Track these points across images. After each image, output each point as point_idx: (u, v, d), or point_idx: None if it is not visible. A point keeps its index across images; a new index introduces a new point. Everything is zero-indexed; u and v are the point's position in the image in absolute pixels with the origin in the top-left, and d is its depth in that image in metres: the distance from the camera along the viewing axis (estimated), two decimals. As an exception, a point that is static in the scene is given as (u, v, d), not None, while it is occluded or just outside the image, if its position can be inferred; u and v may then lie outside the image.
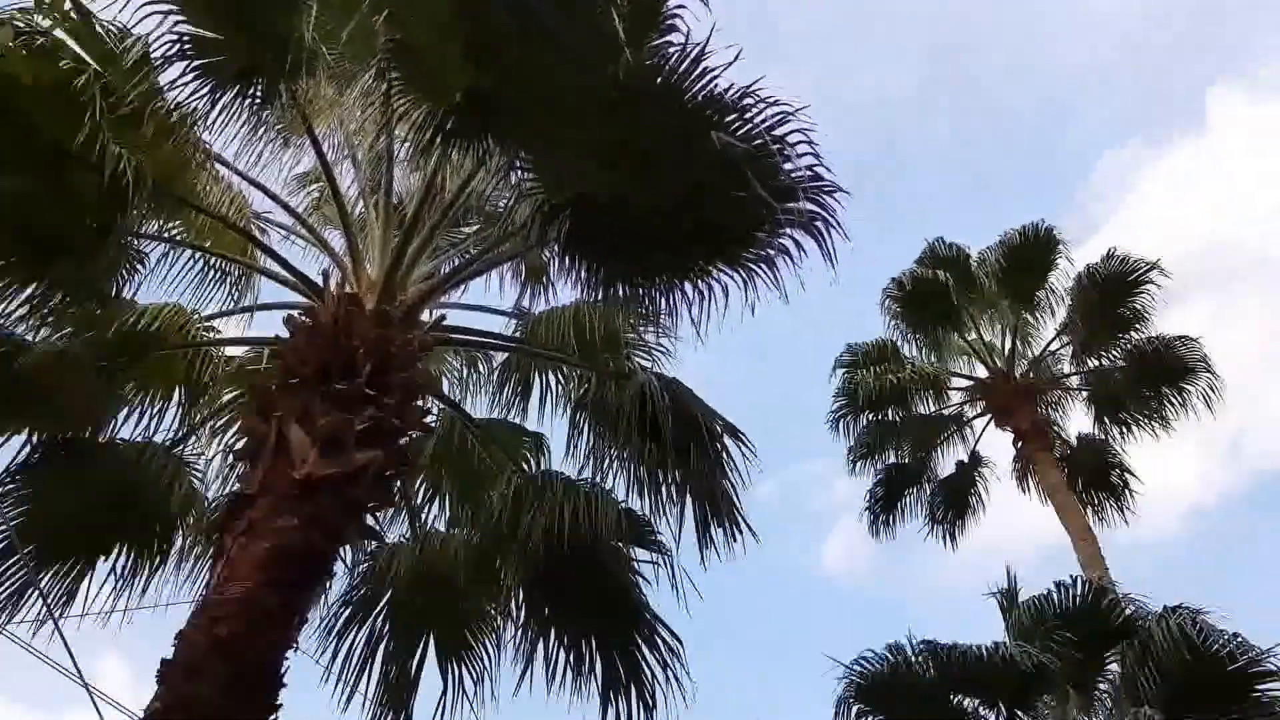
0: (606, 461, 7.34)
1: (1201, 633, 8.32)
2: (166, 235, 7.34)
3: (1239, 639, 8.28)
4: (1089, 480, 16.14)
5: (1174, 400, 15.71)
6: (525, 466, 7.87)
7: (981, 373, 16.69)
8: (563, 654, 7.21)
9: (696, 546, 7.12)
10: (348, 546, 6.70)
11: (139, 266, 7.09)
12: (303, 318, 6.43)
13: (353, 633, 7.02)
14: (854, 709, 8.81)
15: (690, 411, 7.02)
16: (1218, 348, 15.84)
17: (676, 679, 7.05)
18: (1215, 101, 31.79)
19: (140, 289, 7.16)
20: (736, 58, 5.49)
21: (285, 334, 6.49)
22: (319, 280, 6.70)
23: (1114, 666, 8.94)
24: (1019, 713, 8.57)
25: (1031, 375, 16.55)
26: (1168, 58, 32.49)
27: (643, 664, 7.12)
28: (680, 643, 7.10)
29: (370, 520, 6.36)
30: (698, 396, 7.25)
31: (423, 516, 7.97)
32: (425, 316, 6.95)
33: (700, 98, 5.58)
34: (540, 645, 7.26)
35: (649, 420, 6.86)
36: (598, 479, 7.25)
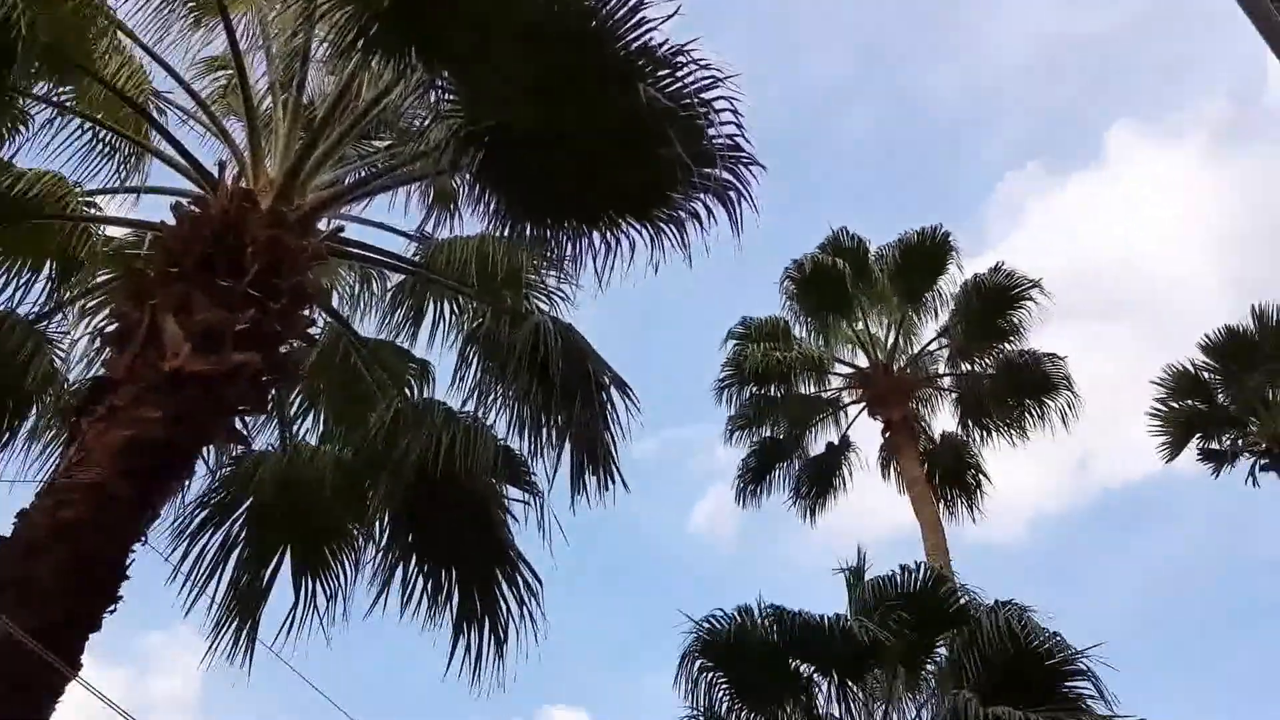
0: (491, 397, 7.31)
1: (1026, 628, 8.86)
2: (56, 100, 6.92)
3: (1058, 637, 8.85)
4: (946, 476, 16.89)
5: (1034, 412, 16.54)
6: (408, 392, 7.78)
7: (863, 362, 17.18)
8: (421, 581, 7.21)
9: (569, 491, 7.21)
10: (212, 447, 6.53)
11: (21, 128, 6.70)
12: (192, 207, 6.19)
13: (207, 535, 6.86)
14: (697, 663, 9.10)
15: (581, 359, 7.06)
16: (1081, 371, 16.73)
17: (531, 617, 7.16)
18: (1115, 139, 33.19)
19: (20, 152, 6.78)
20: (676, 11, 5.50)
21: (171, 221, 6.24)
22: (214, 171, 6.44)
23: (942, 650, 9.44)
24: (850, 683, 8.99)
25: (908, 371, 17.15)
26: (1080, 88, 33.71)
27: (500, 599, 7.19)
28: (540, 582, 7.19)
29: (239, 424, 6.23)
30: (591, 346, 7.28)
31: (294, 428, 7.83)
32: (322, 225, 6.77)
33: (634, 47, 5.57)
34: (399, 570, 7.24)
35: (539, 362, 6.87)
36: (480, 414, 7.22)
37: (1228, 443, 19.19)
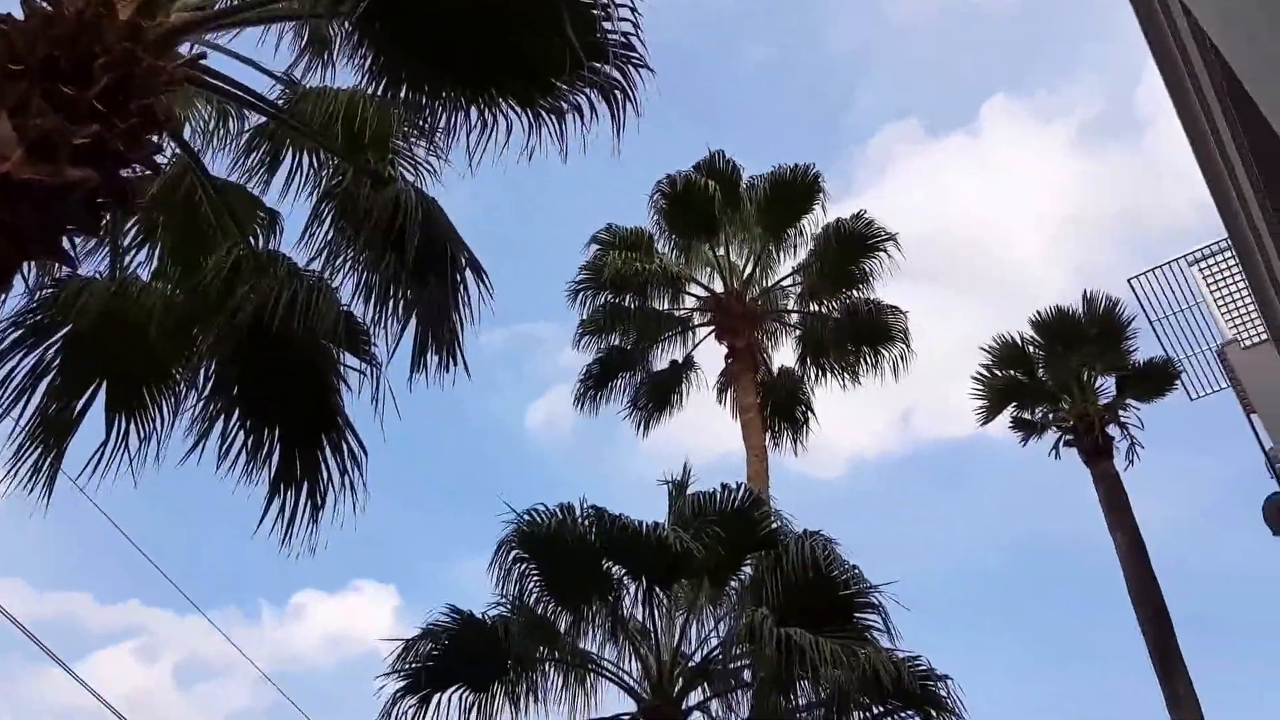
0: (340, 260, 7.09)
1: (828, 558, 9.40)
2: None
3: (856, 570, 9.45)
4: (777, 409, 17.50)
5: (869, 359, 17.26)
6: (253, 241, 7.45)
7: (718, 287, 17.48)
8: (242, 436, 7.02)
9: (409, 368, 7.13)
10: (33, 265, 6.11)
11: None
12: (43, 2, 5.66)
13: (18, 356, 6.45)
14: (513, 553, 9.26)
15: (440, 235, 6.92)
16: (918, 329, 17.53)
17: (352, 488, 7.10)
18: (990, 111, 34.42)
19: None
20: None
21: (19, 15, 5.69)
22: (71, -32, 5.89)
23: (749, 569, 9.93)
24: (658, 589, 9.36)
25: (759, 302, 17.57)
26: (972, 55, 34.72)
27: (322, 465, 7.09)
28: (365, 454, 7.12)
29: (67, 244, 5.83)
30: (452, 225, 7.13)
31: (126, 259, 7.38)
32: (184, 50, 6.32)
33: (540, -83, 5.38)
34: (221, 422, 7.03)
35: (396, 231, 6.69)
36: (326, 275, 7.00)
37: (1039, 415, 20.58)
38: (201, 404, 7.03)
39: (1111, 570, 16.65)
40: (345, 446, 7.11)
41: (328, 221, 7.19)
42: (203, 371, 7.02)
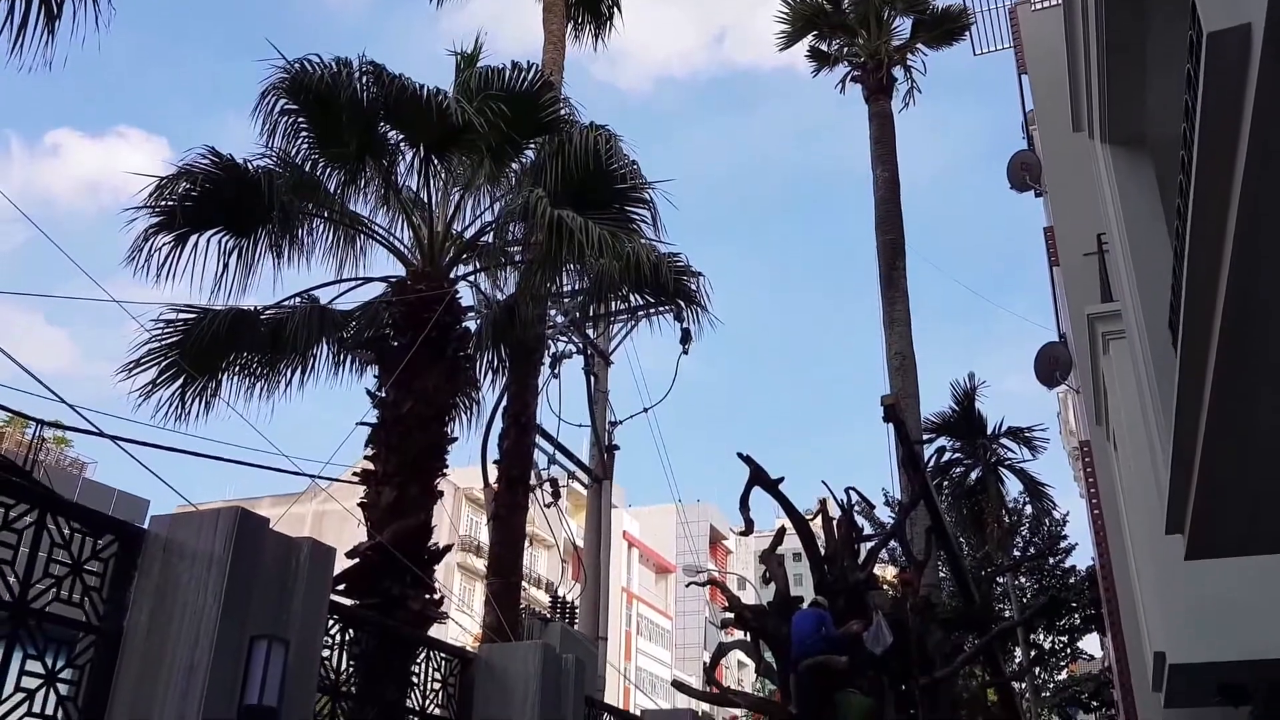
0: None
1: (610, 151, 9.45)
2: None
3: (635, 165, 9.61)
4: (581, -1, 16.67)
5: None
6: None
7: None
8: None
9: None
10: None
11: None
12: None
13: None
14: (280, 103, 8.68)
15: None
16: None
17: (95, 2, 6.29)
18: None
19: None
20: None
21: None
22: None
23: (530, 153, 9.84)
24: (435, 159, 9.14)
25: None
26: None
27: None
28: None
29: None
30: None
31: None
32: None
33: None
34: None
35: None
36: None
37: (835, 48, 20.79)
38: None
39: (868, 203, 17.91)
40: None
41: None
42: None
